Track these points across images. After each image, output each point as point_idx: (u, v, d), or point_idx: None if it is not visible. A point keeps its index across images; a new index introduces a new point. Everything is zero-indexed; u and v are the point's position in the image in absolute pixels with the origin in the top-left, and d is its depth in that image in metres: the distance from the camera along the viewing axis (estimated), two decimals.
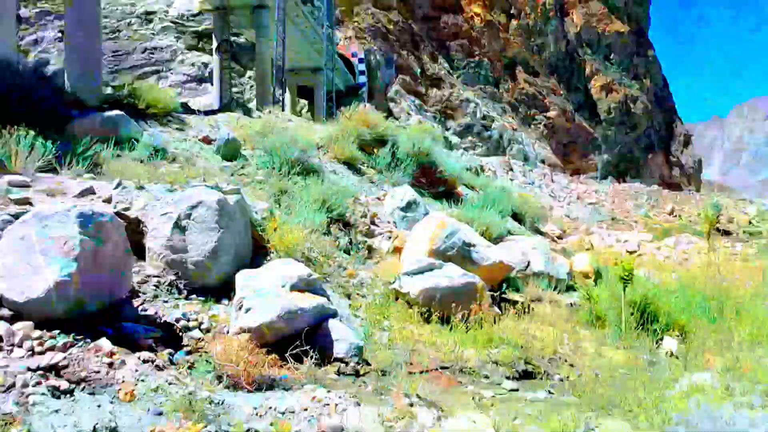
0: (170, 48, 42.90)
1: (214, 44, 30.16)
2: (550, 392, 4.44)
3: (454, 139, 56.95)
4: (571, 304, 7.25)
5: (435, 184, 11.04)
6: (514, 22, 71.93)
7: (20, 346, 3.09)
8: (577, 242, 13.98)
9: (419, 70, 60.74)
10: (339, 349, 4.55)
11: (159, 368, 3.36)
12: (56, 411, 2.34)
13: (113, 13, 43.09)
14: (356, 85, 52.18)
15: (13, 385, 2.74)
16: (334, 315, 4.89)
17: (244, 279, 4.68)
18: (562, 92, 73.91)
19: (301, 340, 4.20)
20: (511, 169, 48.16)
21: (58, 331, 3.49)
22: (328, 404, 3.38)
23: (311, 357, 4.09)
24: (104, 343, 3.32)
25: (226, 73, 21.40)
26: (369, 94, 52.96)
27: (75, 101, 8.74)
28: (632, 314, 6.24)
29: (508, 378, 4.72)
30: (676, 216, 33.28)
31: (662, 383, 4.52)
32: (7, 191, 5.14)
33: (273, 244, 6.02)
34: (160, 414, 2.88)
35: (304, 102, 49.20)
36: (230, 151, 8.98)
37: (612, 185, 51.56)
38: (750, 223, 28.25)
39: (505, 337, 5.28)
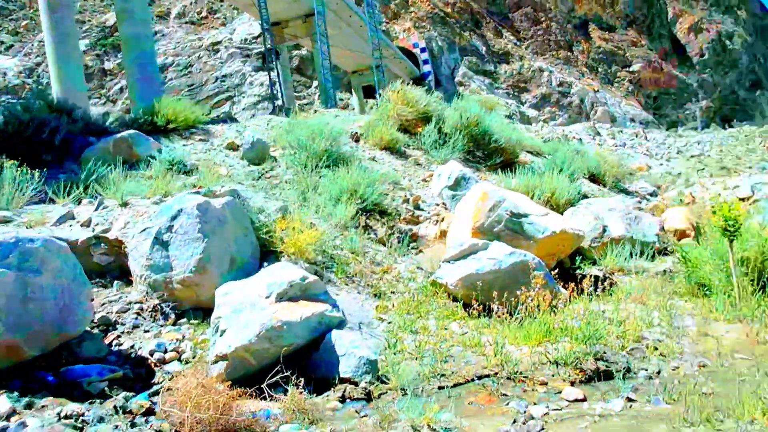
0: (239, 73, 44.31)
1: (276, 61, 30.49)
2: (630, 399, 3.21)
3: (532, 113, 54.12)
4: (665, 271, 5.80)
5: (491, 155, 9.77)
6: None
7: None
8: (675, 197, 12.00)
9: (485, 49, 58.57)
10: (345, 368, 3.62)
11: (76, 429, 2.59)
12: None
13: (184, 50, 45.27)
14: (421, 76, 51.09)
15: None
16: (341, 324, 3.95)
17: (222, 294, 3.87)
18: (644, 42, 67.95)
19: (281, 364, 3.30)
20: (598, 134, 44.82)
21: None
22: None
23: (296, 384, 3.18)
24: (1, 402, 2.61)
25: (275, 83, 21.23)
26: (436, 82, 51.61)
27: (97, 129, 8.49)
28: (746, 275, 4.76)
29: (572, 383, 3.53)
30: None
31: None
32: None
33: (284, 247, 5.20)
34: None
35: (372, 102, 48.89)
36: (257, 155, 8.32)
37: (715, 133, 46.50)
38: None
39: (569, 326, 4.07)
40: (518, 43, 61.93)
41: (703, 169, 19.84)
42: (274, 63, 20.76)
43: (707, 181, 13.47)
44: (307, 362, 3.78)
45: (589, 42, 65.96)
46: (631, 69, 65.26)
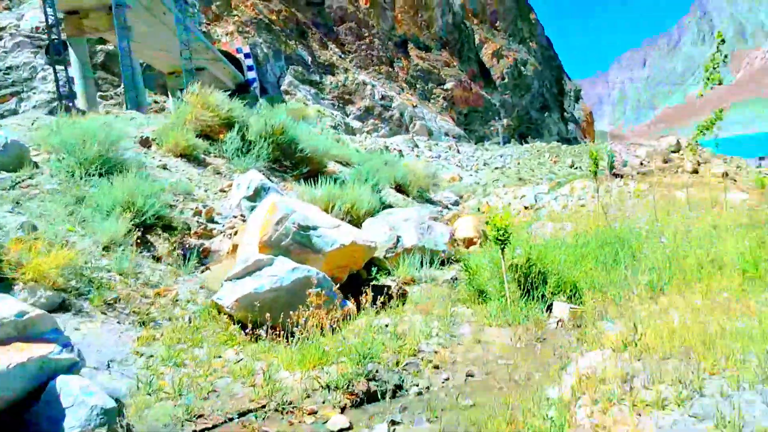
0: (28, 65, 38.39)
1: (73, 56, 26.59)
2: (395, 422, 3.06)
3: (356, 124, 55.71)
4: (450, 280, 6.00)
5: (298, 165, 9.49)
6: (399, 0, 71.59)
7: None
8: (474, 206, 12.99)
9: (310, 59, 58.98)
10: (73, 422, 2.94)
11: None
12: None
13: None
14: (246, 82, 49.53)
15: None
16: (74, 367, 3.25)
17: None
18: (455, 63, 74.48)
19: None
20: (417, 146, 47.70)
21: None
22: None
23: None
24: None
25: (64, 78, 18.68)
26: (262, 90, 50.46)
27: None
28: (516, 280, 5.06)
29: (343, 409, 3.30)
30: (577, 168, 34.03)
31: (548, 374, 3.28)
32: None
33: (20, 273, 4.25)
34: None
35: None
36: (12, 160, 6.95)
37: (515, 147, 52.61)
38: (641, 164, 29.12)
39: (346, 346, 3.86)
40: (343, 56, 63.56)
41: (498, 180, 21.99)
42: (62, 57, 18.18)
43: (501, 191, 14.84)
44: (27, 419, 3.03)
45: (408, 60, 70.34)
46: (445, 87, 71.01)
